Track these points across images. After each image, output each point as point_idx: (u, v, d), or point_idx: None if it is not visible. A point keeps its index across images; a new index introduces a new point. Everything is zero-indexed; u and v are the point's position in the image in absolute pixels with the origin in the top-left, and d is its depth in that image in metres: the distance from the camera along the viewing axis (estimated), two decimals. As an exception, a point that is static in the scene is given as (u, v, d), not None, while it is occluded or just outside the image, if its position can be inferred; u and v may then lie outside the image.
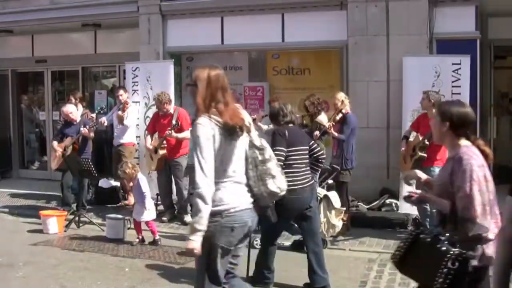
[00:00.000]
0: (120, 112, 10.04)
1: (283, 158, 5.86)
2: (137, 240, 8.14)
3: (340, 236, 8.21)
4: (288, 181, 5.35)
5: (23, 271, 6.90)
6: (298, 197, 5.94)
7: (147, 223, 8.17)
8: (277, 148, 5.84)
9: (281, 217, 5.27)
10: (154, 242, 8.11)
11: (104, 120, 10.43)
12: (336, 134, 8.45)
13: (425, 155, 7.82)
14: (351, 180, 8.66)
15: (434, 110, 7.89)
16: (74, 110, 9.96)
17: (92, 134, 9.79)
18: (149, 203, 8.19)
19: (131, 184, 8.46)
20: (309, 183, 6.14)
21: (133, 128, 10.23)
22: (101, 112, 10.79)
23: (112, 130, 10.83)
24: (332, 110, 8.87)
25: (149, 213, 8.17)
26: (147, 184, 8.33)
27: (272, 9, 10.55)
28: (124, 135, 10.14)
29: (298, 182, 5.98)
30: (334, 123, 8.50)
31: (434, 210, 7.85)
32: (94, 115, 10.43)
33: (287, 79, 10.94)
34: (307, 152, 6.28)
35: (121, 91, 10.26)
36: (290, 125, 6.23)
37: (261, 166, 4.12)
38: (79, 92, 11.61)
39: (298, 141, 6.19)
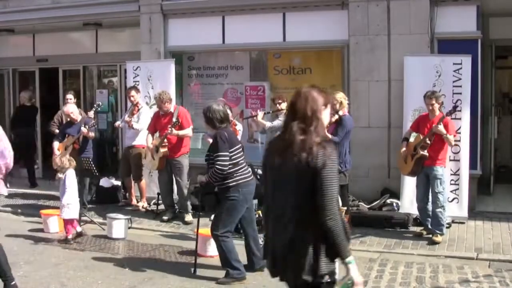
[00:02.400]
0: (127, 118, 9.97)
1: (227, 163, 6.43)
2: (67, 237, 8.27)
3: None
4: (241, 177, 6.56)
5: (24, 270, 6.91)
6: (250, 188, 6.68)
7: (65, 220, 8.27)
8: (221, 154, 6.45)
9: (240, 208, 6.56)
10: (64, 240, 8.23)
11: (118, 124, 10.41)
12: (330, 136, 8.38)
13: (427, 154, 7.82)
14: (351, 180, 8.65)
15: (437, 112, 7.93)
16: (75, 110, 9.95)
17: (92, 134, 9.76)
18: (68, 200, 8.19)
19: (59, 175, 8.40)
20: (252, 176, 6.84)
21: (144, 130, 10.05)
22: (98, 108, 10.61)
23: (114, 130, 10.84)
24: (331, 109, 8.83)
25: (68, 211, 8.20)
26: (74, 182, 8.31)
27: (273, 8, 10.55)
28: (136, 137, 10.06)
29: (248, 175, 6.66)
30: (328, 125, 8.43)
31: (437, 210, 7.89)
32: (91, 113, 10.28)
33: (288, 79, 10.92)
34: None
35: (133, 92, 10.06)
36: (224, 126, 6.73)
37: None
38: (71, 92, 11.44)
39: (236, 140, 6.79)
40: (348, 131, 8.41)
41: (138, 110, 10.03)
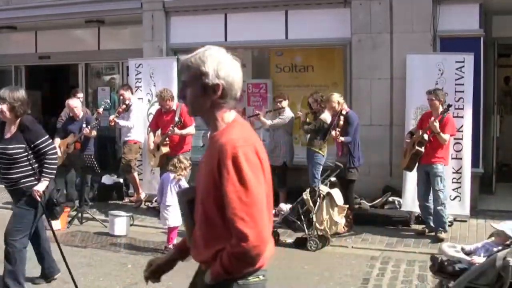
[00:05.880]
0: (111, 117, 10.02)
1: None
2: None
3: (342, 233, 8.21)
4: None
5: (25, 267, 6.90)
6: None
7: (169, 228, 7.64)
8: (47, 138, 5.59)
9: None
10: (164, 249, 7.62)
11: (112, 117, 10.42)
12: (343, 139, 8.40)
13: (422, 150, 7.84)
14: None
15: (440, 108, 7.93)
16: (79, 105, 9.94)
17: (94, 133, 9.76)
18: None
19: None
20: None
21: (137, 126, 10.14)
22: (107, 106, 10.67)
23: (115, 128, 10.86)
24: (330, 111, 8.81)
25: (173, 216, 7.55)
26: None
27: (275, 6, 10.54)
28: (129, 133, 10.12)
29: None
30: (340, 129, 8.44)
31: (438, 208, 7.88)
32: (101, 110, 10.29)
33: (291, 76, 10.92)
34: None
35: (121, 91, 10.25)
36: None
37: None
38: (81, 91, 11.51)
39: None
40: (356, 126, 8.48)
41: (128, 108, 10.04)
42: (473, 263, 4.67)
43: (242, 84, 2.66)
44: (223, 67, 2.57)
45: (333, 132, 8.44)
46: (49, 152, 5.51)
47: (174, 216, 7.41)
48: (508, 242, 4.69)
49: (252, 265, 2.51)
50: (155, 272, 3.21)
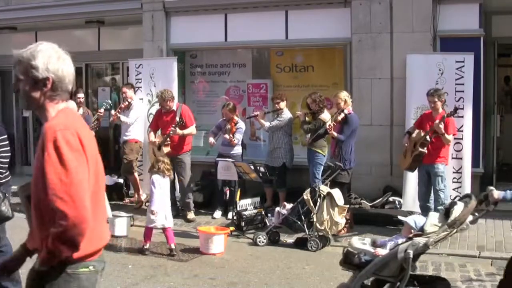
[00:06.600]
0: (113, 112, 10.04)
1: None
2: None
3: (341, 235, 8.21)
4: (5, 174, 5.36)
5: (25, 268, 6.89)
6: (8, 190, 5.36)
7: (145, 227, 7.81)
8: (6, 138, 5.21)
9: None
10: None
11: (114, 113, 10.40)
12: (335, 134, 8.40)
13: (425, 151, 7.84)
14: (354, 178, 8.66)
15: (440, 110, 7.93)
16: (74, 107, 9.93)
17: (93, 133, 9.72)
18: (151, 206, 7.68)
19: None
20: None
21: (137, 125, 10.17)
22: (108, 106, 10.70)
23: (116, 128, 10.86)
24: (334, 108, 8.84)
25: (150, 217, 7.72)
26: (153, 186, 7.62)
27: (276, 6, 10.54)
28: (128, 132, 10.13)
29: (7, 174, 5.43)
30: (335, 124, 8.45)
31: (439, 208, 7.88)
32: (102, 110, 10.31)
33: (291, 76, 10.92)
34: None
35: (124, 89, 10.26)
36: None
37: None
38: (82, 91, 11.48)
39: None
40: (354, 129, 8.45)
41: (129, 105, 10.06)
42: (376, 255, 4.76)
43: (73, 78, 2.76)
44: (52, 61, 2.67)
45: (327, 124, 8.44)
46: (0, 154, 5.12)
47: (168, 216, 7.68)
48: (411, 235, 4.76)
49: (74, 245, 2.52)
50: (1, 270, 3.20)
